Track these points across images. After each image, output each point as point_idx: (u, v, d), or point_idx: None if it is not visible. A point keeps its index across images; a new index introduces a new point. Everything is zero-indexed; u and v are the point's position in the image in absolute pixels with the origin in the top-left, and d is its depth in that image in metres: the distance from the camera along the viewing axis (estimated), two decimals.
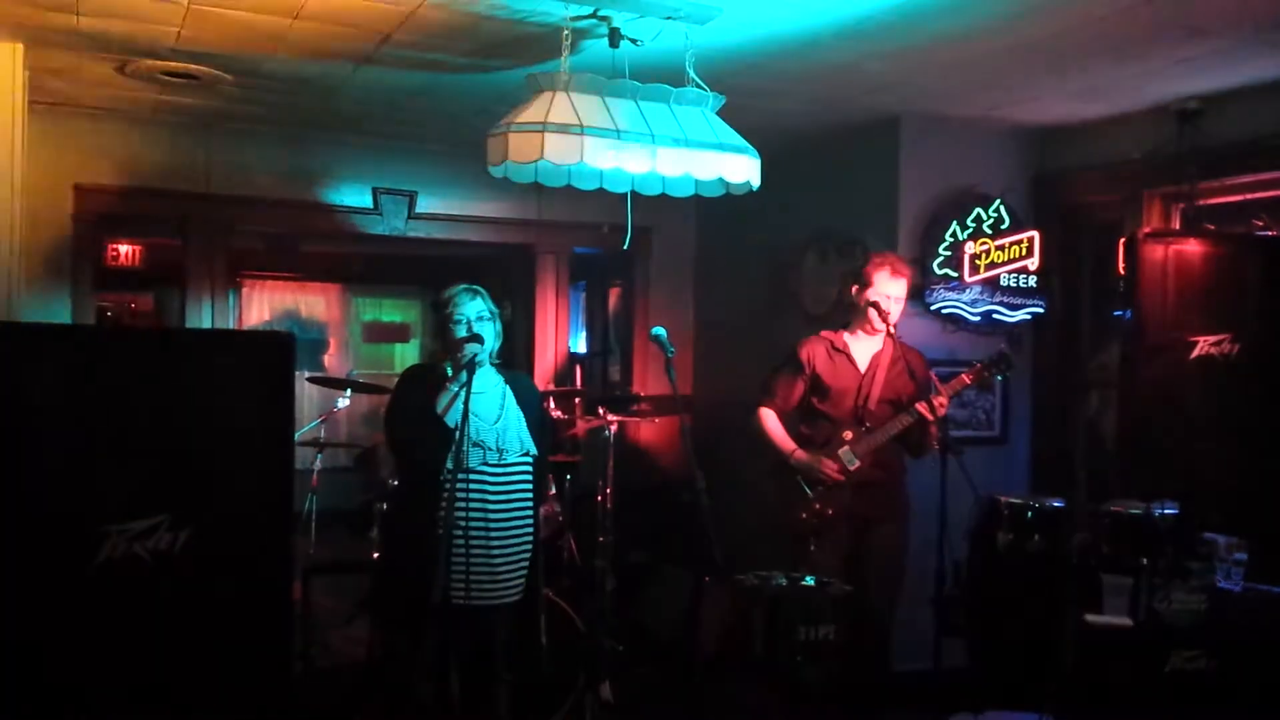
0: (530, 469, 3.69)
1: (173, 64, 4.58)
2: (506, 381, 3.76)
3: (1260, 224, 4.58)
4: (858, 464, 4.23)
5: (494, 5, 3.66)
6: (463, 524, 3.40)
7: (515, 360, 7.30)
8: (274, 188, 6.12)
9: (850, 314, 4.46)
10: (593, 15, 3.66)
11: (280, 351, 3.41)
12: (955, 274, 5.24)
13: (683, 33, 3.71)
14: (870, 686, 4.27)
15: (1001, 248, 5.27)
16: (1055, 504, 4.47)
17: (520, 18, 3.78)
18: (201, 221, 6.05)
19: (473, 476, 3.51)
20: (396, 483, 4.34)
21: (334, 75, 4.70)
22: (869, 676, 4.25)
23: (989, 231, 5.29)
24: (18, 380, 3.11)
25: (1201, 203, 4.73)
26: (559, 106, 3.43)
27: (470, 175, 5.78)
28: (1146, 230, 4.71)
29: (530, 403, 3.80)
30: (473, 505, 3.50)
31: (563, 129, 3.37)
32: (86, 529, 3.10)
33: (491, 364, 3.74)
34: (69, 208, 5.68)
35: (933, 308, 5.26)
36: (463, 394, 3.35)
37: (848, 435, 4.27)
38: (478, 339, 3.54)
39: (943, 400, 4.09)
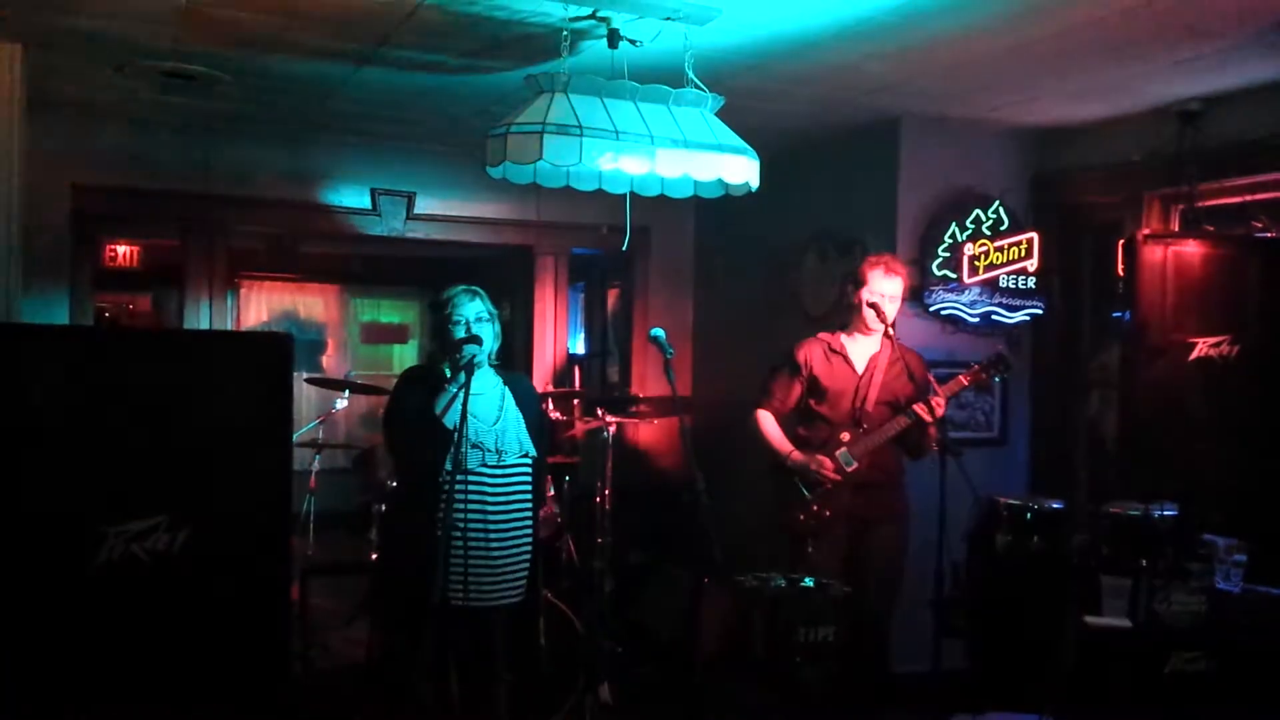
0: (529, 470, 3.69)
1: (171, 64, 4.57)
2: (505, 383, 3.76)
3: (1260, 225, 4.57)
4: (855, 465, 4.23)
5: (493, 6, 3.66)
6: (462, 525, 3.39)
7: (514, 361, 7.30)
8: (272, 188, 6.12)
9: (848, 315, 4.46)
10: (592, 16, 3.66)
11: (278, 352, 3.40)
12: (954, 275, 5.24)
13: (682, 33, 3.71)
14: (869, 687, 4.27)
15: (1001, 249, 5.27)
16: (1054, 505, 4.47)
17: (519, 18, 3.77)
18: (200, 222, 6.05)
19: (471, 478, 3.50)
20: (395, 484, 4.34)
21: (332, 76, 4.69)
22: (868, 677, 4.25)
23: (988, 233, 5.29)
24: (16, 381, 3.11)
25: (1201, 204, 4.73)
26: (558, 107, 3.42)
27: (469, 176, 5.79)
28: (1146, 231, 4.70)
29: (529, 404, 3.80)
30: (471, 507, 3.50)
31: (561, 130, 3.36)
32: (85, 529, 3.10)
33: (490, 365, 3.74)
34: (67, 208, 5.67)
35: (932, 309, 5.25)
36: (461, 395, 3.35)
37: (845, 437, 4.26)
38: (476, 340, 3.54)
39: (940, 401, 4.09)
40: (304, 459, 5.39)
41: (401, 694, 3.66)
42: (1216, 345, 4.26)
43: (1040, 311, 5.41)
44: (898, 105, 5.06)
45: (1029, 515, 4.45)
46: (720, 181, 3.71)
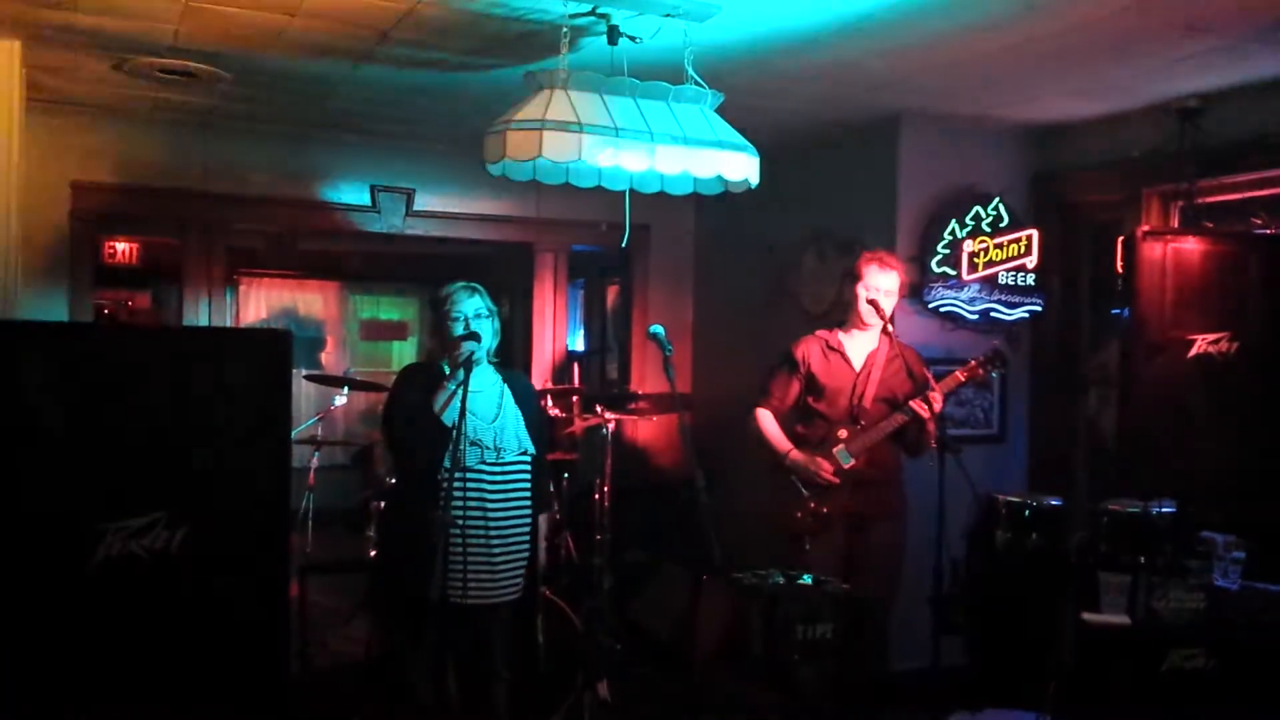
0: (529, 468, 3.69)
1: (170, 61, 4.57)
2: (504, 380, 3.76)
3: (1259, 222, 4.58)
4: (853, 462, 4.23)
5: (492, 3, 3.65)
6: (460, 523, 3.39)
7: (513, 358, 7.30)
8: (271, 185, 6.12)
9: (846, 311, 4.46)
10: (591, 13, 3.66)
11: (277, 349, 3.40)
12: (954, 272, 5.24)
13: (681, 30, 3.71)
14: (868, 685, 4.27)
15: (1000, 246, 5.27)
16: (1053, 502, 4.47)
17: (519, 15, 3.77)
18: (199, 219, 6.05)
19: (470, 475, 3.50)
20: (394, 481, 4.34)
21: (332, 73, 4.69)
22: (867, 675, 4.25)
23: (988, 230, 5.29)
24: (15, 378, 3.11)
25: (1200, 201, 4.73)
26: (557, 104, 3.42)
27: (468, 173, 5.78)
28: (1145, 228, 4.70)
29: (528, 402, 3.80)
30: (470, 504, 3.49)
31: (561, 127, 3.36)
32: (84, 527, 3.10)
33: (489, 362, 3.73)
34: (66, 206, 5.67)
35: (931, 306, 5.25)
36: (460, 392, 3.35)
37: (843, 434, 4.26)
38: (475, 337, 3.54)
39: (937, 397, 4.09)
40: (303, 456, 5.39)
41: (400, 692, 3.66)
42: (1216, 342, 4.26)
43: (1039, 308, 5.41)
44: (897, 102, 5.06)
45: (1028, 512, 4.45)
46: (720, 178, 3.70)
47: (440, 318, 3.66)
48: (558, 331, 7.11)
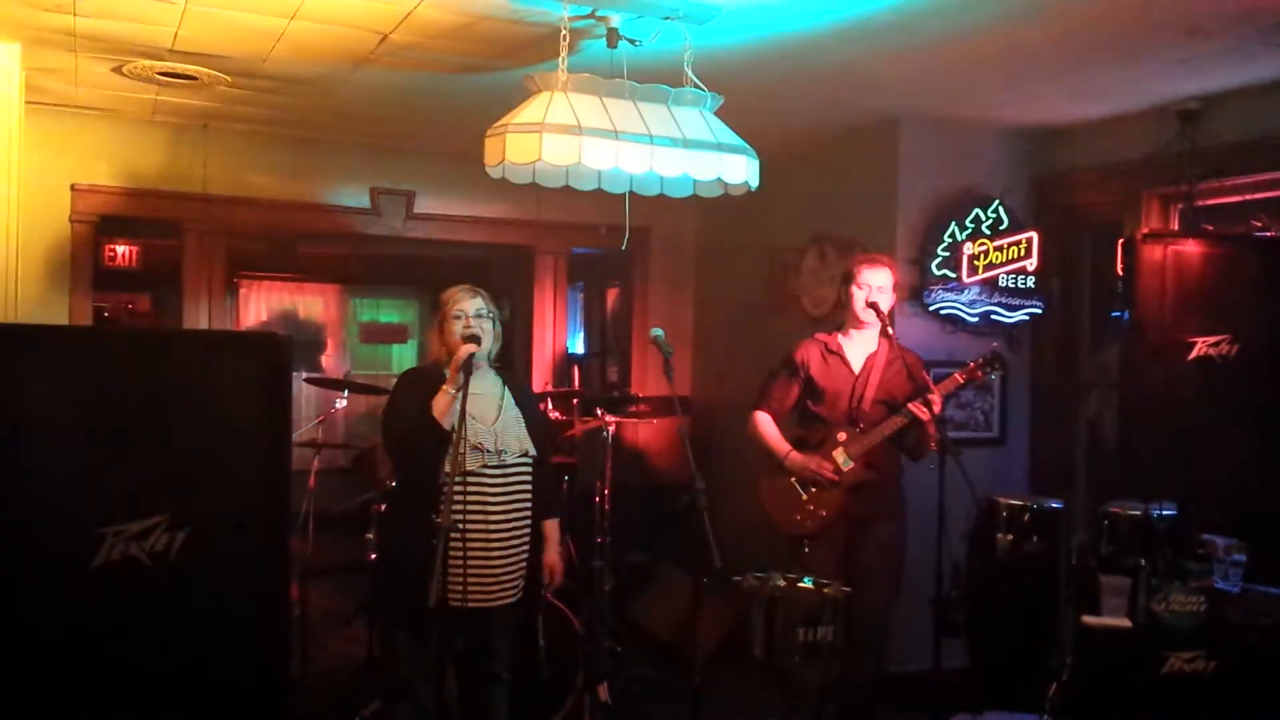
0: (530, 470, 3.68)
1: (170, 64, 4.58)
2: (505, 383, 3.76)
3: (1259, 224, 4.57)
4: (852, 465, 4.23)
5: (492, 5, 3.66)
6: (461, 526, 3.39)
7: (513, 360, 7.30)
8: (271, 188, 6.13)
9: (843, 314, 4.46)
10: (591, 15, 3.66)
11: (277, 352, 3.40)
12: (954, 274, 5.24)
13: (681, 33, 3.71)
14: (869, 687, 4.27)
15: (1000, 248, 5.27)
16: (1054, 505, 4.47)
17: (518, 18, 3.77)
18: (199, 222, 6.05)
19: (471, 479, 3.50)
20: (394, 484, 4.34)
21: (332, 76, 4.69)
22: (867, 677, 4.25)
23: (988, 232, 5.29)
24: (15, 381, 3.11)
25: (1200, 203, 4.73)
26: (557, 107, 3.42)
27: (468, 175, 5.76)
28: (1145, 231, 4.70)
29: (529, 404, 3.80)
30: (471, 507, 3.49)
31: (561, 130, 3.36)
32: (84, 530, 3.09)
33: (490, 366, 3.73)
34: (66, 208, 5.68)
35: (931, 308, 5.26)
36: (460, 396, 3.34)
37: (841, 436, 4.26)
38: (475, 339, 3.53)
39: (936, 400, 4.08)
40: (303, 459, 5.38)
41: (400, 694, 3.66)
42: (1216, 344, 4.26)
43: (1040, 311, 5.41)
44: (897, 105, 5.06)
45: (1028, 515, 4.46)
46: (720, 181, 3.70)
47: (441, 319, 3.66)
48: (558, 334, 7.12)
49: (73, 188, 5.69)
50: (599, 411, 5.05)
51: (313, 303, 10.65)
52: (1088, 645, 3.75)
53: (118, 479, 3.15)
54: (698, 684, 3.46)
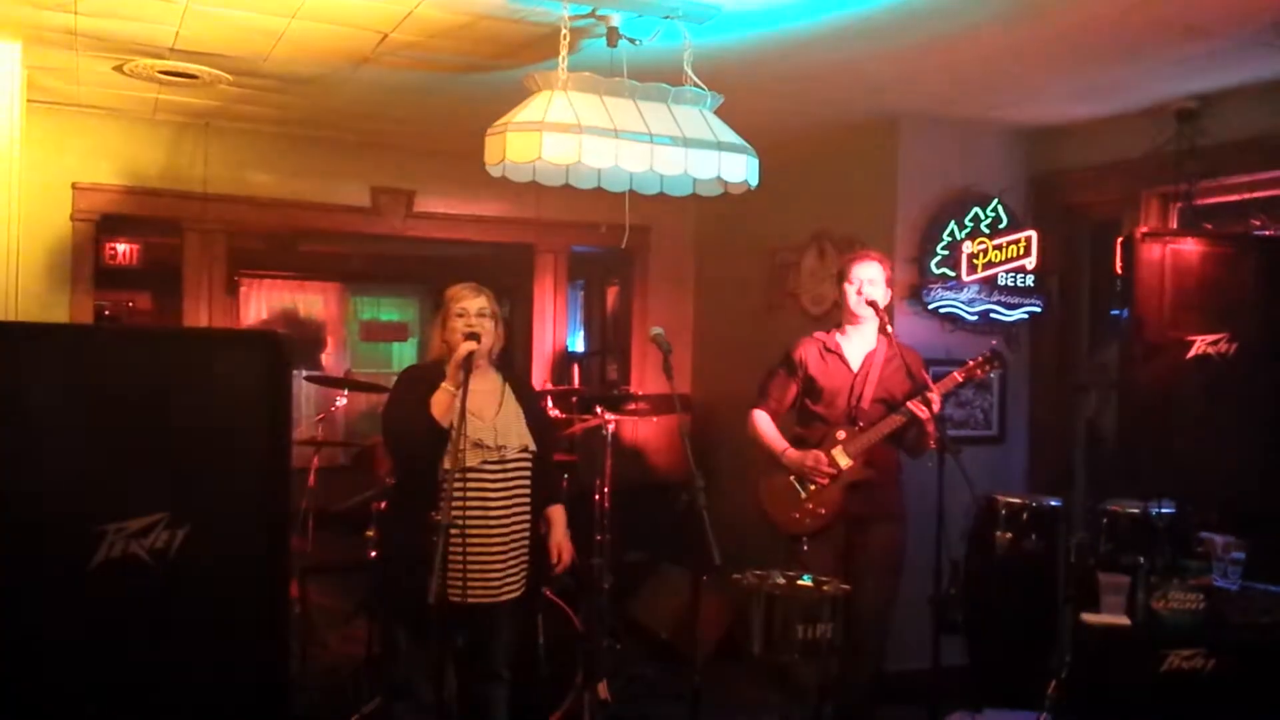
0: (530, 466, 3.69)
1: (171, 63, 4.58)
2: (505, 380, 3.77)
3: (1258, 223, 4.58)
4: (851, 463, 4.23)
5: (492, 5, 3.66)
6: (461, 523, 3.40)
7: (513, 358, 7.30)
8: (272, 187, 6.13)
9: (840, 312, 4.46)
10: (591, 15, 3.66)
11: (277, 350, 3.40)
12: (953, 273, 5.25)
13: (681, 32, 3.71)
14: (868, 685, 4.27)
15: (999, 247, 5.28)
16: (1053, 503, 4.48)
17: (518, 17, 3.78)
18: (199, 220, 6.06)
19: (471, 475, 3.51)
20: (394, 482, 4.35)
21: (332, 75, 4.70)
22: (867, 675, 4.25)
23: (987, 231, 5.30)
24: (15, 379, 3.11)
25: (1199, 202, 4.73)
26: (557, 106, 3.42)
27: (468, 174, 5.75)
28: (1144, 229, 4.70)
29: (529, 400, 3.81)
30: (471, 504, 3.50)
31: (561, 128, 3.36)
32: (84, 528, 3.10)
33: (491, 363, 3.74)
34: (67, 207, 5.69)
35: (930, 307, 5.26)
36: (460, 394, 3.35)
37: (840, 435, 4.26)
38: (475, 337, 3.54)
39: (935, 398, 4.09)
40: (303, 457, 5.39)
41: (400, 692, 3.66)
42: (1215, 343, 4.26)
43: (1039, 309, 5.42)
44: (896, 104, 5.07)
45: (1027, 513, 4.46)
46: (719, 179, 3.71)
47: (444, 317, 3.67)
48: (558, 332, 7.12)
49: (74, 186, 5.70)
50: (599, 409, 5.06)
51: (313, 301, 10.66)
52: (1086, 643, 3.75)
53: (118, 476, 3.16)
54: (697, 682, 3.47)
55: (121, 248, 9.44)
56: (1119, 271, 4.43)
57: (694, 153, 3.56)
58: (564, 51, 3.55)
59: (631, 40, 3.81)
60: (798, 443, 4.36)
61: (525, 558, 3.68)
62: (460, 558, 3.35)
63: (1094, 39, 3.94)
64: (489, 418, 3.61)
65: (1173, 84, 4.49)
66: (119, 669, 3.13)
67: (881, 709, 4.40)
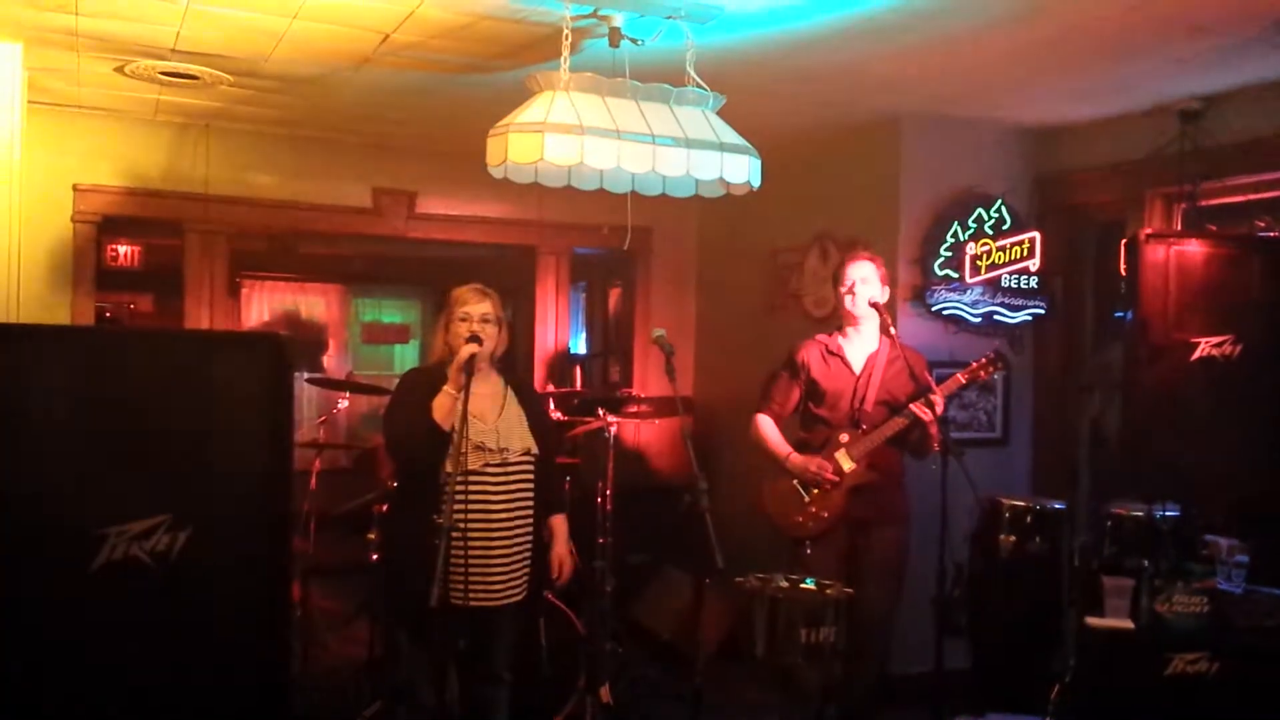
0: (532, 469, 3.68)
1: (172, 64, 4.57)
2: (508, 383, 3.76)
3: (1262, 224, 4.57)
4: (853, 466, 4.22)
5: (494, 5, 3.65)
6: (463, 526, 3.39)
7: (515, 360, 7.29)
8: (273, 188, 6.13)
9: (840, 315, 4.45)
10: (593, 15, 3.66)
11: (279, 352, 3.39)
12: (956, 275, 5.23)
13: (683, 32, 3.70)
14: (871, 688, 4.26)
15: (1003, 248, 5.26)
16: (1056, 506, 4.47)
17: (520, 17, 3.77)
18: (201, 222, 6.05)
19: (473, 478, 3.50)
20: (396, 484, 4.34)
21: (334, 75, 4.69)
22: (869, 678, 4.24)
23: (990, 232, 5.28)
24: (17, 381, 3.10)
25: (1203, 203, 4.72)
26: (559, 107, 3.42)
27: (470, 175, 5.76)
28: (1148, 231, 4.69)
29: (532, 403, 3.80)
30: (473, 507, 3.49)
31: (563, 129, 3.35)
32: (86, 530, 3.09)
33: (493, 366, 3.73)
34: (68, 208, 5.68)
35: (934, 309, 5.25)
36: (461, 396, 3.34)
37: (844, 438, 4.25)
38: (477, 340, 3.53)
39: (938, 400, 4.07)
40: (305, 459, 5.38)
41: (402, 694, 3.65)
42: (1219, 345, 4.25)
43: (1042, 311, 5.41)
44: (899, 105, 5.06)
45: (1031, 516, 4.45)
46: (722, 180, 3.70)
47: (447, 319, 3.67)
48: (560, 334, 7.11)
49: (75, 187, 5.69)
50: (601, 412, 5.05)
51: (315, 303, 10.65)
52: (1090, 646, 3.74)
53: (119, 479, 3.15)
54: (699, 685, 3.46)
55: (123, 249, 9.43)
56: (1123, 273, 4.42)
57: (696, 153, 3.56)
58: (566, 52, 3.54)
59: (634, 41, 3.80)
60: (801, 446, 4.35)
61: (527, 561, 3.67)
62: (462, 561, 3.34)
63: (1097, 39, 3.93)
64: (491, 421, 3.60)
65: (1176, 84, 4.48)
66: (120, 671, 3.13)
67: (884, 712, 4.39)
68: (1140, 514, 4.06)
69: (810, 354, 4.41)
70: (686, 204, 4.65)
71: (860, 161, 5.61)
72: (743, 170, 3.65)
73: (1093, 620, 3.76)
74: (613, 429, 4.97)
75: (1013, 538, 4.44)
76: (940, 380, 4.20)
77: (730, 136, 3.67)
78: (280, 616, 3.43)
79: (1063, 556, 4.25)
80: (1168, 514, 4.00)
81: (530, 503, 3.68)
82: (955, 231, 5.25)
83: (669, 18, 3.64)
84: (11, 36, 4.25)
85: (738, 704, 4.35)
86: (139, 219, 6.21)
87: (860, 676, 4.13)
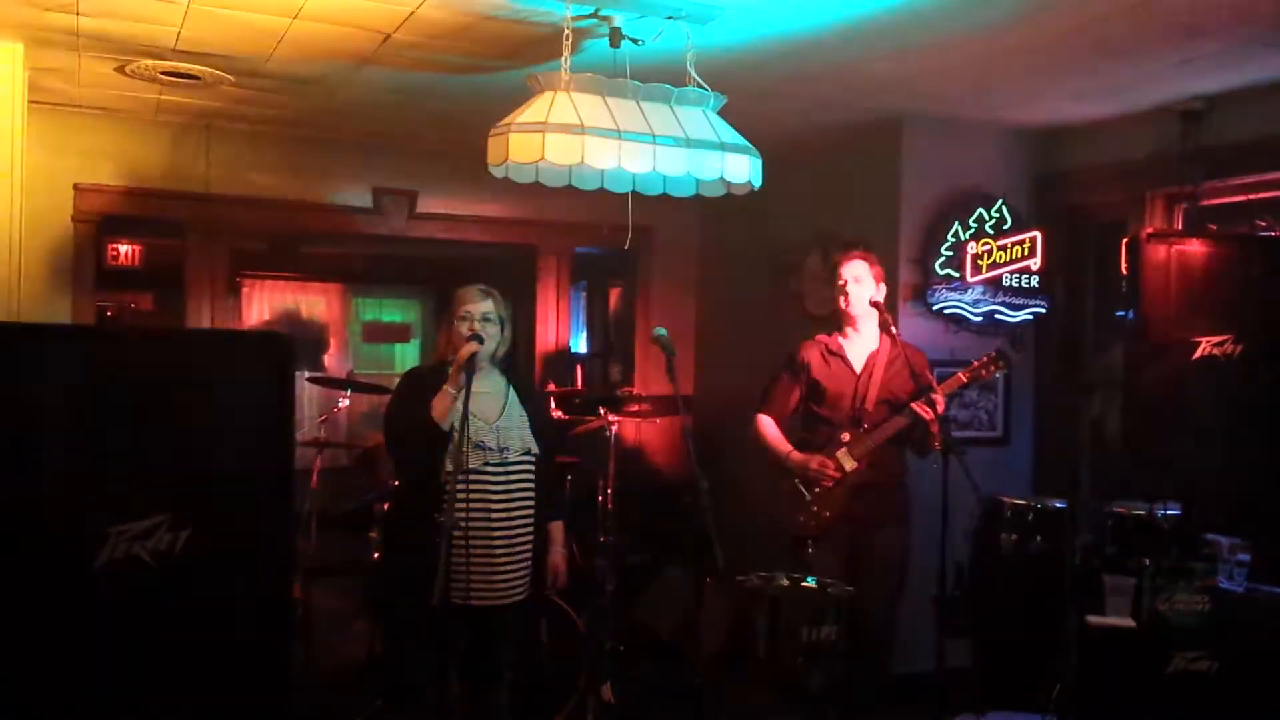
0: (532, 468, 3.68)
1: (173, 64, 4.57)
2: (510, 383, 3.76)
3: (1263, 224, 4.57)
4: (855, 465, 4.21)
5: (494, 5, 3.65)
6: (464, 525, 3.39)
7: (516, 360, 7.30)
8: (274, 188, 6.12)
9: (838, 315, 4.45)
10: (594, 15, 3.66)
11: (280, 351, 3.40)
12: (957, 274, 5.24)
13: (684, 32, 3.70)
14: (872, 688, 4.26)
15: (1004, 248, 5.27)
16: (1057, 505, 4.46)
17: (521, 18, 3.77)
18: (202, 221, 6.05)
19: (473, 477, 3.50)
20: (397, 483, 4.34)
21: (334, 75, 4.69)
22: (871, 678, 4.24)
23: (991, 232, 5.29)
24: (17, 380, 3.10)
25: (1204, 203, 4.72)
26: (560, 106, 3.42)
27: (471, 175, 5.76)
28: (1149, 230, 4.70)
29: (534, 403, 3.80)
30: (474, 506, 3.49)
31: (564, 129, 3.36)
32: (87, 530, 3.09)
33: (495, 366, 3.73)
34: (69, 208, 5.68)
35: (935, 308, 5.25)
36: (461, 395, 3.34)
37: (845, 437, 4.25)
38: (478, 339, 3.54)
39: (939, 399, 4.08)
40: (306, 458, 5.38)
41: (403, 693, 3.65)
42: (1220, 344, 4.25)
43: (1043, 310, 5.41)
44: (900, 104, 5.06)
45: (1032, 515, 4.44)
46: (723, 180, 3.70)
47: (450, 317, 3.67)
48: (560, 333, 7.11)
49: (75, 187, 5.69)
50: (602, 411, 5.05)
51: (315, 302, 10.65)
52: (1092, 645, 3.74)
53: (120, 478, 3.15)
54: (700, 684, 3.46)
55: (123, 249, 9.43)
56: (1124, 272, 4.42)
57: (697, 153, 3.56)
58: (566, 52, 3.54)
59: (634, 41, 3.80)
60: (802, 446, 4.35)
61: (528, 560, 3.67)
62: (463, 560, 3.34)
63: (1098, 39, 3.93)
64: (492, 420, 3.60)
65: (1177, 84, 4.48)
66: (121, 671, 3.13)
67: (886, 711, 4.38)
68: (1141, 512, 4.06)
69: (810, 354, 4.41)
70: (687, 204, 4.65)
71: (861, 161, 5.61)
72: (744, 170, 3.65)
73: (1094, 619, 3.76)
74: (614, 428, 4.97)
75: (1014, 537, 4.43)
76: (941, 379, 4.21)
77: (731, 136, 3.67)
78: (281, 615, 3.43)
79: (1064, 555, 4.24)
80: (1169, 512, 4.00)
81: (531, 502, 3.67)
82: (956, 231, 5.25)
83: (669, 18, 3.64)
84: (12, 36, 4.25)
85: (739, 703, 4.34)
86: (140, 218, 6.22)
87: (862, 676, 4.12)
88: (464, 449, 3.32)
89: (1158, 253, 4.32)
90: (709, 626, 5.06)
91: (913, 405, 4.11)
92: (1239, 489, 4.22)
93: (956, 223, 5.26)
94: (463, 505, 3.40)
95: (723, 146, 3.61)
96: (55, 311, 5.57)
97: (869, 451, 4.22)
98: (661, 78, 3.64)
